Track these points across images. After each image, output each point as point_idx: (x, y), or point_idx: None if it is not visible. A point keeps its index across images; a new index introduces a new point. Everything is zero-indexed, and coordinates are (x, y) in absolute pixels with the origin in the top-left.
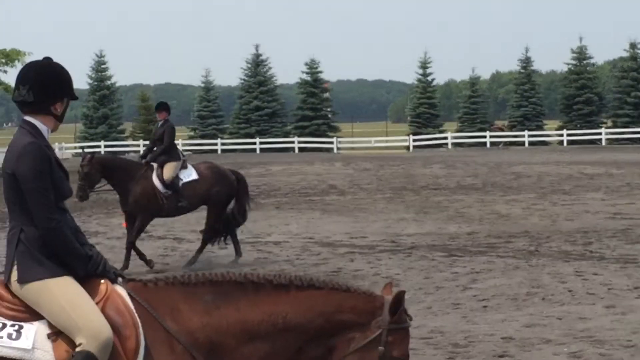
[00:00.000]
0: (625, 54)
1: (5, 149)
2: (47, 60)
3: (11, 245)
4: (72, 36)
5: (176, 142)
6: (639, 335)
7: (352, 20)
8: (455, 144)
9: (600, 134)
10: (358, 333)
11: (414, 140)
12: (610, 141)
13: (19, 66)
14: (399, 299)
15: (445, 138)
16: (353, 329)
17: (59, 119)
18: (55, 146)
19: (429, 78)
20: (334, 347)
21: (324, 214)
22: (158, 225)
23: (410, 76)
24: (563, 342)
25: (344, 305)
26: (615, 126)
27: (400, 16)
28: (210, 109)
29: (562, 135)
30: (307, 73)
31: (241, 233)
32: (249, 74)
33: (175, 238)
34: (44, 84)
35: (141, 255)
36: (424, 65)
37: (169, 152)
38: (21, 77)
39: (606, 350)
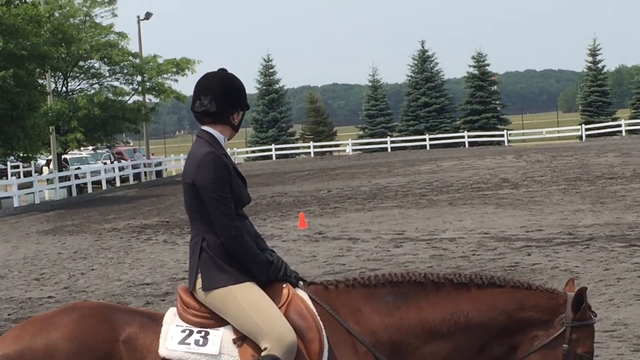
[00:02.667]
0: None
1: (178, 157)
2: (224, 71)
3: (194, 254)
4: (239, 42)
5: (346, 142)
6: None
7: (516, 10)
8: (629, 131)
9: None
10: (541, 331)
11: (587, 129)
12: None
13: (189, 75)
14: (582, 295)
15: (619, 125)
16: (536, 327)
17: (236, 128)
18: (228, 152)
19: (599, 65)
20: (517, 346)
21: (498, 208)
22: (332, 226)
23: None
24: None
25: (526, 303)
26: None
27: (567, 1)
28: (378, 107)
29: None
30: (474, 66)
31: (415, 230)
32: (416, 70)
33: (350, 238)
34: (226, 94)
35: None
36: (594, 52)
37: None
38: (202, 88)
39: None
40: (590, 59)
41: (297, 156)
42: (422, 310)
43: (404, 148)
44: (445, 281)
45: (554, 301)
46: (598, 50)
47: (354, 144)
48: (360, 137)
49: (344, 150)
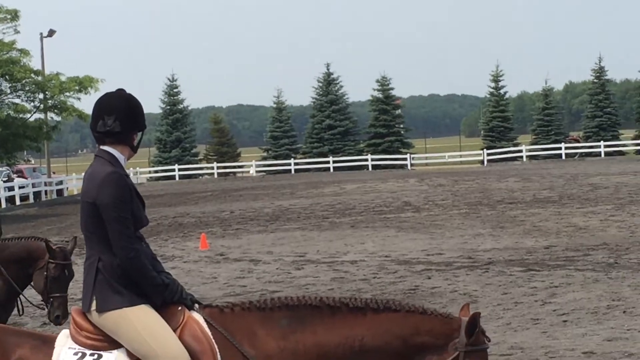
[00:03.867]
0: None
1: (79, 176)
2: (122, 91)
3: (89, 275)
4: (144, 61)
5: (249, 163)
6: None
7: (422, 35)
8: (530, 157)
9: None
10: (435, 355)
11: (488, 154)
12: None
13: (92, 93)
14: (475, 320)
15: (520, 151)
16: (430, 352)
17: (135, 149)
18: (130, 171)
19: (501, 91)
20: None
21: (399, 231)
22: (234, 247)
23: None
24: None
25: (421, 328)
26: None
27: (471, 28)
28: (282, 129)
29: (638, 144)
30: (378, 90)
31: (317, 253)
32: (321, 92)
33: (252, 260)
34: (131, 115)
35: None
36: (496, 78)
37: None
38: (106, 108)
39: None
40: (493, 84)
41: (200, 177)
42: (318, 335)
43: (308, 170)
44: (341, 305)
45: (448, 326)
46: (500, 76)
47: (257, 165)
48: (264, 158)
49: (248, 172)
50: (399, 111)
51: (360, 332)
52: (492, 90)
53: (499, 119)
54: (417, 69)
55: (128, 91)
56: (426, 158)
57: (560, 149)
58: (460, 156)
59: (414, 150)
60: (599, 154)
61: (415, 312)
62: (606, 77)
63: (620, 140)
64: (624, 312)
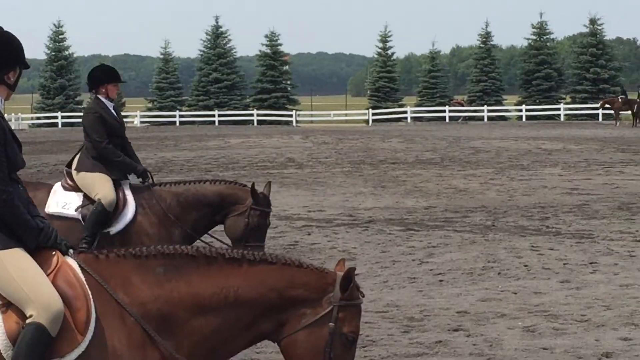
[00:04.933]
0: (585, 30)
1: None
2: None
3: None
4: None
5: (134, 113)
6: (592, 310)
7: None
8: (414, 119)
9: (559, 109)
10: (309, 309)
11: (373, 114)
12: (568, 117)
13: None
14: (350, 275)
15: (405, 112)
16: (304, 305)
17: (12, 88)
18: (12, 117)
19: (389, 52)
20: (285, 322)
21: (281, 187)
22: None
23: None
24: (517, 316)
25: (296, 281)
26: (574, 102)
27: None
28: (169, 80)
29: (521, 110)
30: (266, 45)
31: None
32: (209, 45)
33: None
34: (2, 51)
35: None
36: (384, 38)
37: None
38: None
39: (560, 325)
40: (381, 44)
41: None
42: (193, 284)
43: (193, 123)
44: (217, 255)
45: (323, 280)
46: (389, 37)
47: (142, 116)
48: (149, 109)
49: (132, 122)
50: (286, 67)
51: (235, 283)
52: (379, 50)
53: (386, 80)
54: (306, 27)
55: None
56: (312, 115)
57: (444, 111)
58: (346, 115)
59: (299, 108)
60: (482, 118)
61: (291, 266)
62: (492, 43)
63: (503, 105)
64: (499, 273)
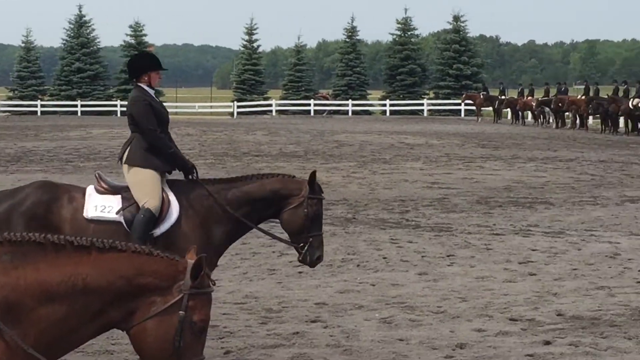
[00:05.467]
0: (448, 26)
1: None
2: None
3: None
4: None
5: None
6: (449, 301)
7: None
8: (279, 112)
9: (422, 104)
10: (159, 297)
11: (239, 107)
12: (431, 112)
13: None
14: (200, 263)
15: (270, 105)
16: (154, 293)
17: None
18: None
19: (255, 44)
20: (135, 311)
21: None
22: None
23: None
24: (375, 307)
25: (146, 269)
26: (437, 97)
27: None
28: (30, 69)
29: (385, 105)
30: (131, 36)
31: None
32: (72, 34)
33: None
34: None
35: None
36: (250, 31)
37: None
38: None
39: (416, 316)
40: (247, 37)
41: None
42: (40, 271)
43: (55, 112)
44: (65, 243)
45: (174, 268)
46: (255, 29)
47: (2, 105)
48: (10, 98)
49: None
50: None
51: (84, 270)
52: (245, 43)
53: (251, 73)
54: (171, 18)
55: None
56: (176, 107)
57: (309, 105)
58: (211, 107)
59: (164, 99)
60: (346, 112)
61: (141, 253)
62: (358, 38)
63: (367, 100)
64: (358, 265)
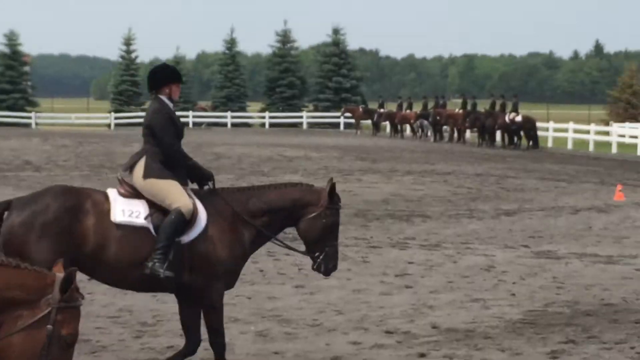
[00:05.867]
0: (328, 39)
1: None
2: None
3: None
4: None
5: None
6: (324, 314)
7: None
8: None
9: (301, 117)
10: (26, 311)
11: (116, 118)
12: (311, 125)
13: None
14: (70, 276)
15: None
16: (21, 307)
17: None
18: None
19: (133, 55)
20: (1, 325)
21: (16, 189)
22: None
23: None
24: (251, 321)
25: (12, 282)
26: (316, 110)
27: None
28: None
29: (264, 117)
30: (6, 45)
31: None
32: None
33: None
34: None
35: None
36: (128, 42)
37: None
38: None
39: (292, 329)
40: (125, 48)
41: None
42: None
43: None
44: None
45: (42, 281)
46: (132, 40)
47: None
48: None
49: None
50: (26, 68)
51: None
52: (123, 54)
53: (129, 83)
54: (47, 27)
55: None
56: (52, 118)
57: (188, 117)
58: (88, 118)
59: (40, 110)
60: (225, 124)
61: (7, 266)
62: (237, 49)
63: (247, 112)
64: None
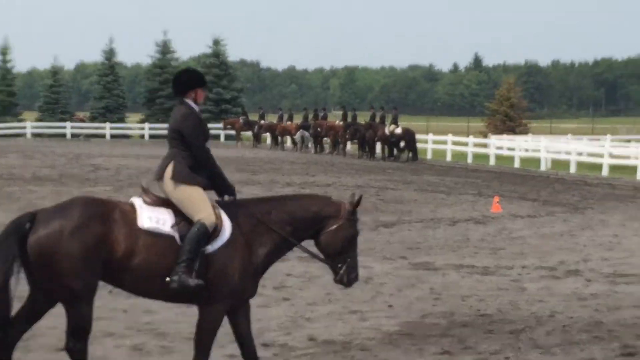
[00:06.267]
0: (208, 50)
1: None
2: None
3: None
4: None
5: None
6: None
7: None
8: (34, 134)
9: None
10: None
11: None
12: None
13: None
14: None
15: (24, 127)
16: None
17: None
18: None
19: (9, 65)
20: None
21: None
22: None
23: None
24: (126, 334)
25: None
26: None
27: None
28: None
29: (143, 128)
30: None
31: None
32: None
33: None
34: None
35: None
36: (4, 51)
37: None
38: None
39: (168, 343)
40: (1, 57)
41: None
42: None
43: None
44: None
45: None
46: (8, 50)
47: None
48: None
49: None
50: None
51: None
52: (1, 63)
53: (5, 94)
54: None
55: None
56: None
57: (65, 127)
58: None
59: None
60: (104, 136)
61: None
62: (117, 60)
63: (126, 123)
64: (110, 292)
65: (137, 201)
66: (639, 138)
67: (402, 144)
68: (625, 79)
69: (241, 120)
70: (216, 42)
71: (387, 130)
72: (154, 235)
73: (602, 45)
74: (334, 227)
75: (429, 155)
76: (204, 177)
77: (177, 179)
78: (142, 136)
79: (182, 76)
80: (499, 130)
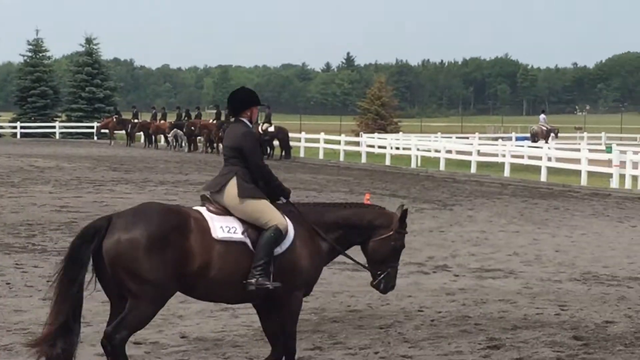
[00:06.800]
0: (81, 49)
1: None
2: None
3: None
4: None
5: None
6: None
7: None
8: None
9: (54, 127)
10: None
11: None
12: (64, 135)
13: None
14: None
15: None
16: None
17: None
18: None
19: None
20: None
21: None
22: None
23: None
24: None
25: None
26: (69, 120)
27: None
28: None
29: (15, 127)
30: None
31: None
32: None
33: None
34: None
35: None
36: None
37: None
38: None
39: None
40: None
41: None
42: None
43: None
44: None
45: None
46: None
47: None
48: None
49: None
50: None
51: None
52: None
53: None
54: None
55: None
56: None
57: None
58: None
59: None
60: None
61: None
62: None
63: None
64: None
65: (204, 211)
66: (506, 136)
67: (275, 142)
68: (493, 78)
69: (114, 119)
70: (89, 41)
71: (260, 129)
72: (228, 244)
73: (471, 46)
74: (384, 236)
75: (302, 154)
76: (268, 191)
77: (243, 194)
78: (15, 135)
79: (238, 95)
80: (370, 129)
